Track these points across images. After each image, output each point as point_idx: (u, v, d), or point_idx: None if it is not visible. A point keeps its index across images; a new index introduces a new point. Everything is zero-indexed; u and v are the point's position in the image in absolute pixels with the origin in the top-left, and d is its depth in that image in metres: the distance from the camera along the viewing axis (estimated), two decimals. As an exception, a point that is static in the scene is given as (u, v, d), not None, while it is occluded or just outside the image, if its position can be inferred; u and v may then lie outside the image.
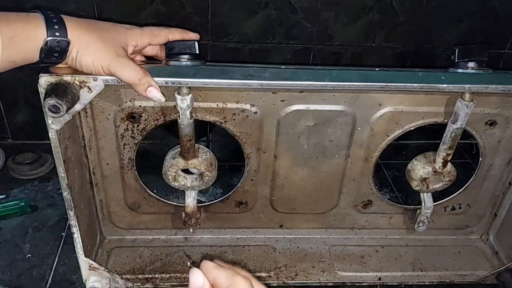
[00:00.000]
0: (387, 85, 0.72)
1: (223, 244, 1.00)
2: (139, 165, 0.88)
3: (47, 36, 0.59)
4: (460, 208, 1.01)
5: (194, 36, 0.75)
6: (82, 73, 0.65)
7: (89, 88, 0.66)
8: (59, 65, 0.65)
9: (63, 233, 1.01)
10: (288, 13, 1.05)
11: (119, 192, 0.92)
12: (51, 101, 0.62)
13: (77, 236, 0.80)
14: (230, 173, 1.18)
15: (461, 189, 0.97)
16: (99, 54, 0.63)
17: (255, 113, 0.81)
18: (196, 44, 0.72)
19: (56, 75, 0.65)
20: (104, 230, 0.98)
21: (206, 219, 0.98)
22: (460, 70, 0.77)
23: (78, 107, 0.67)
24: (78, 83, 0.66)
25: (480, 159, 0.93)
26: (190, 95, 0.71)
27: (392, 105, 0.82)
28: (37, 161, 1.17)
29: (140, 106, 0.79)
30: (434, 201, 0.95)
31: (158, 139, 1.21)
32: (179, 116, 0.74)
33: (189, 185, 0.88)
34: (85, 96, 0.67)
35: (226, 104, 0.80)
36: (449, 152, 0.84)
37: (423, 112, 0.83)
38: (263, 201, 0.96)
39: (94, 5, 1.00)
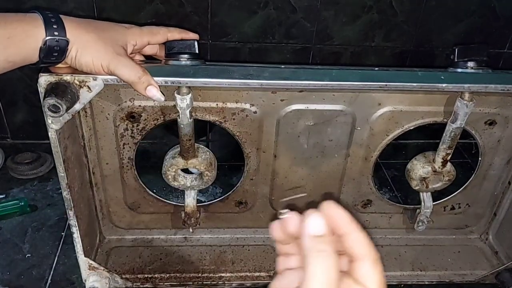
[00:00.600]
0: (386, 85, 0.72)
1: (222, 243, 1.00)
2: (138, 165, 0.88)
3: (46, 36, 0.59)
4: (459, 207, 1.01)
5: (193, 36, 0.75)
6: (82, 72, 0.65)
7: (89, 88, 0.66)
8: (59, 65, 0.65)
9: (62, 233, 1.01)
10: (287, 13, 1.05)
11: (119, 191, 0.92)
12: (51, 101, 0.62)
13: (76, 236, 0.80)
14: (230, 172, 1.18)
15: (461, 189, 0.97)
16: (98, 53, 0.63)
17: (255, 112, 0.81)
18: (196, 43, 0.72)
19: (56, 75, 0.65)
20: (103, 230, 0.98)
21: (206, 219, 0.98)
22: (459, 70, 0.77)
23: (77, 106, 0.67)
24: (77, 82, 0.66)
25: (480, 158, 0.93)
26: (190, 94, 0.71)
27: (391, 105, 0.82)
28: (36, 160, 1.17)
29: (139, 105, 0.79)
30: (433, 201, 0.95)
31: (158, 139, 1.21)
32: (178, 115, 0.74)
33: (189, 185, 0.88)
34: (85, 96, 0.67)
35: (226, 104, 0.80)
36: (448, 151, 0.85)
37: (422, 111, 0.83)
38: (262, 201, 0.96)
39: (94, 4, 1.00)
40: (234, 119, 0.82)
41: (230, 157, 1.18)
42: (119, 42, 0.66)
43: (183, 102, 0.71)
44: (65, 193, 0.75)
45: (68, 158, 0.74)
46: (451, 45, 1.14)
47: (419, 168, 0.90)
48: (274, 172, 0.90)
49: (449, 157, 0.86)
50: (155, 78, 0.67)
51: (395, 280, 0.96)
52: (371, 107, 0.82)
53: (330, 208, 0.37)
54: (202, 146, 0.85)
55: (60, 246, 0.98)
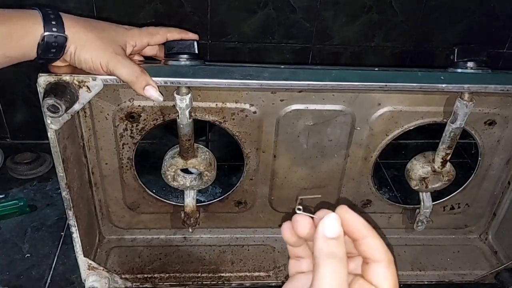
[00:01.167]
0: (386, 85, 0.72)
1: (222, 243, 1.00)
2: (138, 165, 0.88)
3: (44, 31, 0.59)
4: (459, 207, 1.01)
5: (193, 36, 0.75)
6: (81, 72, 0.65)
7: (88, 88, 0.66)
8: (58, 63, 0.65)
9: (62, 233, 1.01)
10: (287, 13, 1.05)
11: (118, 192, 0.92)
12: (50, 101, 0.62)
13: (76, 236, 0.80)
14: (229, 172, 1.18)
15: (460, 189, 0.97)
16: (98, 51, 0.63)
17: (254, 112, 0.81)
18: (195, 43, 0.72)
19: (55, 75, 0.65)
20: (103, 229, 0.98)
21: (205, 219, 0.98)
22: (459, 70, 0.77)
23: (77, 106, 0.67)
24: (77, 82, 0.66)
25: (479, 158, 0.93)
26: (189, 95, 0.71)
27: (391, 105, 0.82)
28: (36, 160, 1.17)
29: (139, 105, 0.79)
30: (433, 201, 0.95)
31: (157, 139, 1.21)
32: (178, 115, 0.74)
33: (188, 185, 0.88)
34: (84, 96, 0.67)
35: (225, 104, 0.80)
36: (448, 151, 0.84)
37: (422, 111, 0.83)
38: (262, 201, 0.96)
39: (93, 4, 1.00)
40: (233, 119, 0.82)
41: (229, 157, 1.19)
42: (118, 42, 0.66)
43: (182, 102, 0.71)
44: (65, 193, 0.75)
45: (68, 158, 0.74)
46: (451, 45, 1.13)
47: (418, 168, 0.90)
48: (274, 172, 0.90)
49: (448, 157, 0.86)
50: (155, 79, 0.67)
51: (394, 280, 0.96)
52: (370, 107, 0.82)
53: (345, 212, 0.38)
54: (202, 146, 0.85)
55: (60, 246, 0.98)
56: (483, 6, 1.09)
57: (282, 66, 0.73)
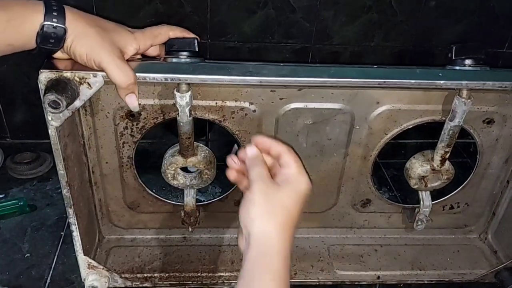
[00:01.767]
0: (385, 82, 0.72)
1: (222, 243, 1.00)
2: (138, 164, 0.88)
3: (44, 21, 0.60)
4: (458, 207, 1.01)
5: (194, 37, 0.75)
6: (82, 68, 0.65)
7: (89, 84, 0.67)
8: (60, 55, 0.66)
9: (62, 233, 1.01)
10: (287, 13, 1.05)
11: (118, 191, 0.92)
12: (51, 97, 0.62)
13: (76, 234, 0.80)
14: (229, 172, 1.18)
15: (459, 188, 0.98)
16: (93, 48, 0.63)
17: (254, 111, 0.81)
18: (196, 41, 0.72)
19: (56, 71, 0.65)
20: (103, 229, 0.98)
21: (205, 218, 0.98)
22: (457, 67, 0.77)
23: (77, 103, 0.67)
24: (78, 79, 0.66)
25: (478, 157, 0.93)
26: (189, 92, 0.71)
27: (390, 103, 0.82)
28: (36, 160, 1.17)
29: (139, 104, 0.78)
30: (432, 200, 0.95)
31: (157, 138, 1.21)
32: (178, 114, 0.74)
33: (188, 184, 0.88)
34: (85, 93, 0.67)
35: (225, 102, 0.80)
36: (447, 149, 0.85)
37: (421, 110, 0.83)
38: (262, 200, 0.96)
39: (93, 4, 1.00)
40: (233, 117, 0.82)
41: (229, 156, 1.18)
42: (118, 43, 0.66)
43: (182, 100, 0.71)
44: (65, 191, 0.75)
45: (68, 156, 0.74)
46: (450, 45, 1.14)
47: (417, 166, 0.90)
48: (273, 171, 0.90)
49: (447, 155, 0.86)
50: (155, 75, 0.67)
51: (394, 279, 0.96)
52: (369, 106, 0.82)
53: (258, 138, 0.65)
54: (202, 145, 0.85)
55: (60, 245, 0.98)
56: (482, 6, 1.09)
57: (282, 64, 0.73)
